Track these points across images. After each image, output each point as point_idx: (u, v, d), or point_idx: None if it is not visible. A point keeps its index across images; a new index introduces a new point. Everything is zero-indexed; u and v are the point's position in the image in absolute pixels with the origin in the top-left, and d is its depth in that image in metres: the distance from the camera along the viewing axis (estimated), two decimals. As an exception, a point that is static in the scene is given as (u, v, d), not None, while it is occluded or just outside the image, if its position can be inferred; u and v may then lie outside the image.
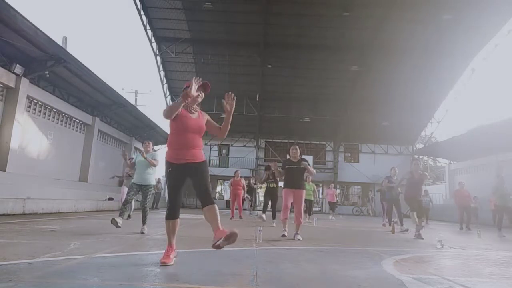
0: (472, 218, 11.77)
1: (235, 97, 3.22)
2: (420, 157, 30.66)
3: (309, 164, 5.98)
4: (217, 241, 2.77)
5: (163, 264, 2.96)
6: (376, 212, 23.08)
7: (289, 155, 6.06)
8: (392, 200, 9.29)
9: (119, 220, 5.51)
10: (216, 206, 3.02)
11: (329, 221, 12.49)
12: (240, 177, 11.35)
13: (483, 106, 67.58)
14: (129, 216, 8.77)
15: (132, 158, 6.60)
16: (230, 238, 2.73)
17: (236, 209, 11.22)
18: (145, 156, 5.82)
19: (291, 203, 5.95)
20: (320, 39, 18.98)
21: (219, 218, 2.95)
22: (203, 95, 3.32)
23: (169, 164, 3.17)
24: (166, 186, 22.47)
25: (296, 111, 23.51)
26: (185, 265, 3.03)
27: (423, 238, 6.60)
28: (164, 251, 3.14)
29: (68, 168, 15.20)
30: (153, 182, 6.00)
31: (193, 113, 3.25)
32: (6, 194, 9.26)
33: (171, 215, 3.14)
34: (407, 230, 8.08)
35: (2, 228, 5.51)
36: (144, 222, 5.73)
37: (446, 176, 25.93)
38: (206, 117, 3.36)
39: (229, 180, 11.02)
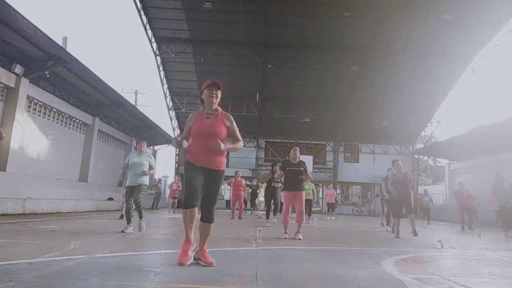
0: (473, 218, 11.74)
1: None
2: (420, 157, 30.71)
3: (306, 167, 6.02)
4: (197, 259, 3.07)
5: (182, 265, 2.91)
6: (377, 212, 23.08)
7: (289, 156, 6.04)
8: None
9: (130, 229, 5.67)
10: (212, 225, 3.14)
11: (329, 221, 12.49)
12: (241, 177, 11.32)
13: (483, 106, 67.61)
14: (121, 216, 8.78)
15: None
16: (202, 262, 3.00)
17: (237, 209, 11.21)
18: (146, 173, 5.78)
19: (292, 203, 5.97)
20: (320, 39, 18.97)
21: (208, 237, 3.15)
22: (219, 95, 3.16)
23: (186, 162, 3.16)
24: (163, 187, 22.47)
25: (296, 111, 23.49)
26: (185, 265, 3.03)
27: (399, 237, 6.71)
28: (180, 250, 3.05)
29: (68, 168, 15.21)
30: (146, 182, 5.94)
31: (208, 117, 3.15)
32: (6, 194, 9.26)
33: (187, 203, 2.99)
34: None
35: (2, 228, 5.52)
36: (140, 217, 5.77)
37: (446, 176, 25.94)
38: (228, 120, 3.19)
39: (228, 180, 10.96)
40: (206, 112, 3.16)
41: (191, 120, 3.21)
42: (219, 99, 3.17)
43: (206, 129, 3.09)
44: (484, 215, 12.79)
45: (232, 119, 3.26)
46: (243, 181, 11.23)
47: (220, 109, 3.22)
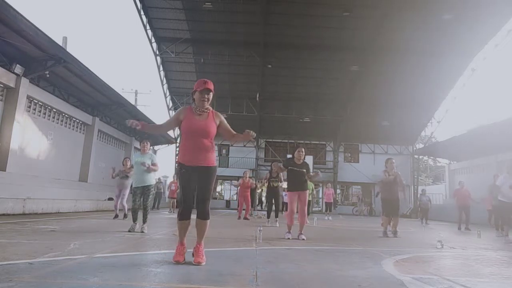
0: (469, 217, 11.70)
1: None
2: (420, 157, 30.71)
3: (309, 170, 5.96)
4: (193, 254, 3.15)
5: (177, 262, 3.05)
6: (377, 212, 23.07)
7: (293, 156, 5.95)
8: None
9: (137, 228, 5.72)
10: (208, 222, 3.23)
11: (328, 221, 12.49)
12: (249, 177, 11.17)
13: (483, 106, 67.63)
14: (125, 216, 8.76)
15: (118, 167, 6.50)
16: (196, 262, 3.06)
17: (243, 209, 11.14)
18: (146, 166, 5.75)
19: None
20: (320, 39, 18.97)
21: (204, 234, 3.24)
22: (210, 97, 3.19)
23: (179, 165, 3.21)
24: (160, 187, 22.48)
25: (296, 111, 23.49)
26: (185, 265, 3.03)
27: (388, 236, 6.76)
28: (175, 251, 3.19)
29: (68, 168, 15.20)
30: (153, 182, 6.01)
31: (200, 115, 3.19)
32: (6, 194, 9.26)
33: (182, 216, 3.20)
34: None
35: (2, 228, 5.51)
36: (144, 221, 5.77)
37: (446, 176, 25.96)
38: (219, 118, 3.27)
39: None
40: (199, 109, 3.20)
41: (181, 113, 3.23)
42: (210, 101, 3.24)
43: (197, 126, 3.14)
44: (476, 213, 12.57)
45: (221, 116, 3.34)
46: (251, 181, 11.11)
47: (211, 108, 3.29)
